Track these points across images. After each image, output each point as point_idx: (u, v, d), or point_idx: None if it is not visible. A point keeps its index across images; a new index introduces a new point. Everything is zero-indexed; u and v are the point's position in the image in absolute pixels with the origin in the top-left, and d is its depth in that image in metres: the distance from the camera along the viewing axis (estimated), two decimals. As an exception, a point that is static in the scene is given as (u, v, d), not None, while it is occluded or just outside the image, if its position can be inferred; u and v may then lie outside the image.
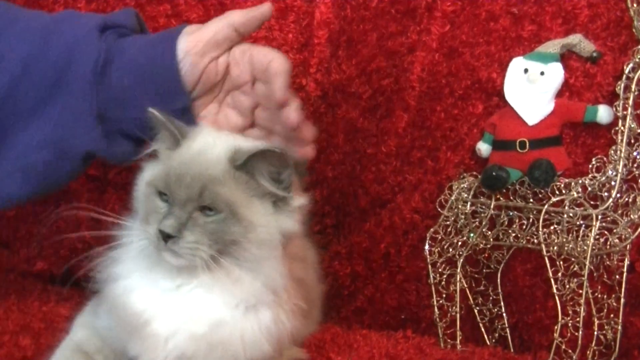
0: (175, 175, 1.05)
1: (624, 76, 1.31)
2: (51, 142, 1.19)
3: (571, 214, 1.31)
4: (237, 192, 1.05)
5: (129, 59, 1.19)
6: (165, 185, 1.05)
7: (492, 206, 1.38)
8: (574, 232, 1.31)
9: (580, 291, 1.28)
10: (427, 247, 1.43)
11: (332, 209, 1.56)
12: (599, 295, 1.33)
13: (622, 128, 1.30)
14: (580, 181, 1.33)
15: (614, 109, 1.32)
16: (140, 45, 1.20)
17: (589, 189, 1.32)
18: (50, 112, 1.18)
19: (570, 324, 1.28)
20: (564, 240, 1.31)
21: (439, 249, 1.42)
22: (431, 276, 1.42)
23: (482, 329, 1.44)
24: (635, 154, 1.31)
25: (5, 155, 1.20)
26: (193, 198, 1.03)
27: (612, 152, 1.31)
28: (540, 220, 1.32)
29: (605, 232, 1.30)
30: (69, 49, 1.18)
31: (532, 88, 1.36)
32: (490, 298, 1.45)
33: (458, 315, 1.40)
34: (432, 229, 1.43)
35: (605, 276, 1.33)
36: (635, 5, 1.31)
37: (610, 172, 1.31)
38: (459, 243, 1.41)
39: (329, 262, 1.54)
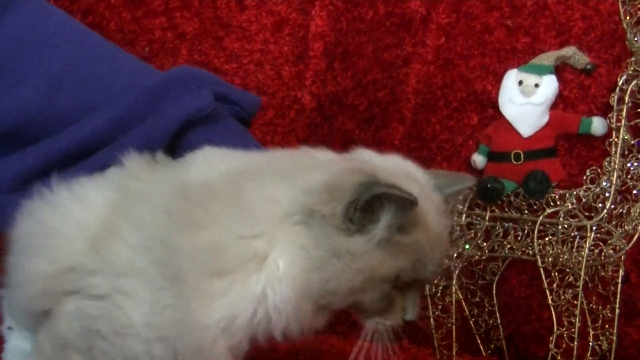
0: (439, 256, 0.93)
1: (618, 88, 1.31)
2: None
3: (566, 225, 1.31)
4: None
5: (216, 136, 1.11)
6: (420, 272, 0.92)
7: (487, 217, 1.38)
8: (569, 243, 1.31)
9: (576, 302, 1.28)
10: (422, 258, 1.43)
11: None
12: (594, 306, 1.32)
13: (616, 139, 1.30)
14: (574, 192, 1.33)
15: (608, 121, 1.32)
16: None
17: (584, 200, 1.32)
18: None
19: (565, 335, 1.28)
20: (559, 251, 1.31)
21: (434, 260, 1.43)
22: (427, 288, 1.41)
23: (478, 340, 1.44)
24: (629, 165, 1.31)
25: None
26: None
27: (606, 163, 1.31)
28: (535, 232, 1.33)
29: (600, 243, 1.30)
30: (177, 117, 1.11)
31: (526, 100, 1.36)
32: (486, 309, 1.45)
33: (454, 327, 1.40)
34: (427, 241, 1.43)
35: (600, 287, 1.33)
36: (628, 17, 1.31)
37: (604, 183, 1.31)
38: (454, 255, 1.41)
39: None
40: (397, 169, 0.95)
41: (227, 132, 1.14)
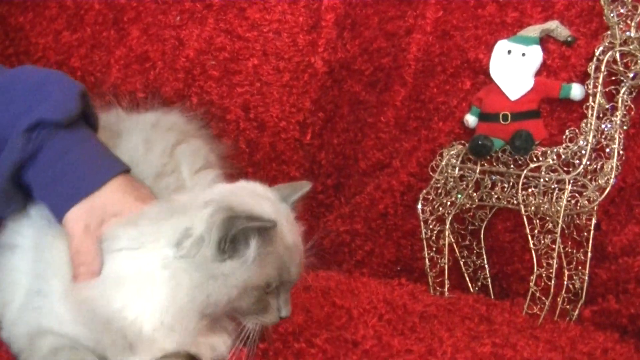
0: (298, 260, 1.05)
1: (595, 58, 1.35)
2: None
3: (547, 179, 1.36)
4: None
5: (39, 178, 1.07)
6: (285, 276, 1.04)
7: (477, 171, 1.44)
8: (549, 195, 1.35)
9: (554, 246, 1.33)
10: (419, 206, 1.48)
11: (335, 170, 1.60)
12: (569, 250, 1.38)
13: (592, 104, 1.35)
14: (555, 150, 1.38)
15: (586, 87, 1.37)
16: (51, 173, 1.07)
17: (563, 156, 1.37)
18: None
19: (544, 275, 1.34)
20: (540, 201, 1.36)
21: (430, 208, 1.47)
22: (423, 232, 1.47)
23: (467, 279, 1.51)
24: (603, 126, 1.35)
25: None
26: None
27: (584, 124, 1.36)
28: (520, 184, 1.37)
29: (576, 194, 1.35)
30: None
31: (514, 67, 1.41)
32: (475, 251, 1.50)
33: (446, 266, 1.46)
34: (424, 191, 1.48)
35: (575, 233, 1.37)
36: (605, -5, 1.34)
37: (581, 142, 1.36)
38: (448, 203, 1.47)
39: (333, 221, 1.60)
40: (248, 193, 1.07)
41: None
